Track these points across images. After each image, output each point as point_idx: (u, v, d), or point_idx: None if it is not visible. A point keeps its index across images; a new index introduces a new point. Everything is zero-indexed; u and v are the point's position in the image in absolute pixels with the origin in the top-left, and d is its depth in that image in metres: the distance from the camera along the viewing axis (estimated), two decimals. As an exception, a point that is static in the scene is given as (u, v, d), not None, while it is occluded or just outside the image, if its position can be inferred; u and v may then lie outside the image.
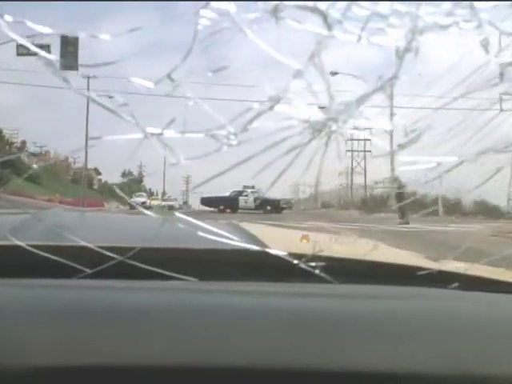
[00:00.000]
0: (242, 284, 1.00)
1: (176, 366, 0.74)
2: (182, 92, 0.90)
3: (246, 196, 40.57)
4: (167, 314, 0.81)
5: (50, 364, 0.71)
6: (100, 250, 0.94)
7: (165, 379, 0.74)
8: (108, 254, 0.94)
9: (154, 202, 48.79)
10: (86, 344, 0.74)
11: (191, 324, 0.79)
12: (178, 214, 1.01)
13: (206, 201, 40.47)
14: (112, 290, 0.90)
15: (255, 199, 39.56)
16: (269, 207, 37.01)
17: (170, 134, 0.91)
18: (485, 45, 0.96)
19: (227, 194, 40.12)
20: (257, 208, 38.08)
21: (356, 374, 0.76)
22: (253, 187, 41.15)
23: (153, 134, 0.90)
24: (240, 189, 41.68)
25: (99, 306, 0.82)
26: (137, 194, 56.93)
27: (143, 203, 44.78)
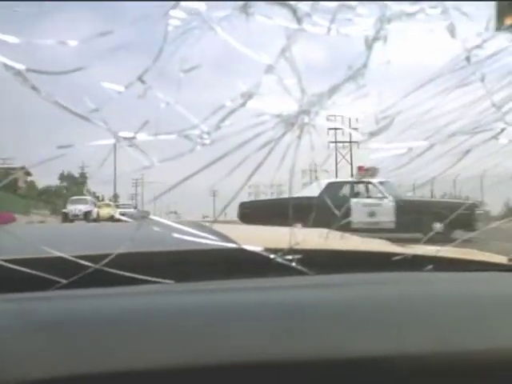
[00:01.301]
0: (219, 282, 1.03)
1: (159, 369, 0.76)
2: (154, 94, 0.92)
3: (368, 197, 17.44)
4: (146, 318, 0.84)
5: (33, 377, 0.73)
6: (75, 259, 0.96)
7: (149, 382, 0.77)
8: (83, 262, 0.95)
9: (105, 211, 37.84)
10: (68, 354, 0.76)
11: (171, 326, 0.82)
12: (152, 216, 1.03)
13: (254, 207, 17.80)
14: (89, 299, 0.91)
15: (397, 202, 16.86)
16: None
17: (142, 137, 0.92)
18: (451, 30, 1.01)
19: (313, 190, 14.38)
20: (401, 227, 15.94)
21: (338, 361, 0.80)
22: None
23: (125, 138, 0.92)
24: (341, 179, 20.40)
25: (78, 315, 0.84)
26: (73, 198, 39.66)
27: (87, 214, 35.97)
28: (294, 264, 1.03)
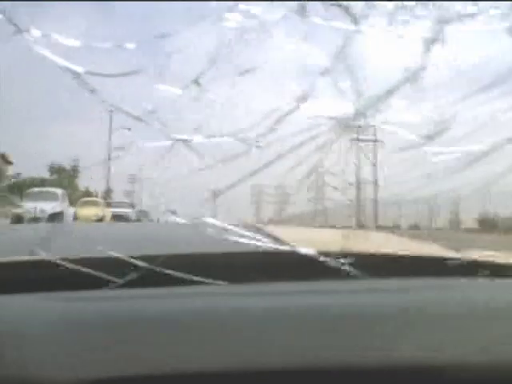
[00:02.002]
0: (271, 285, 1.04)
1: (213, 370, 0.78)
2: (209, 96, 0.93)
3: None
4: (199, 319, 0.85)
5: (91, 375, 0.75)
6: (130, 259, 0.98)
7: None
8: (137, 263, 0.98)
9: (89, 212, 26.97)
10: (123, 353, 0.78)
11: (224, 327, 0.83)
12: (205, 218, 1.04)
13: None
14: (143, 299, 0.93)
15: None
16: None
17: (198, 139, 0.94)
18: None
19: None
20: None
21: (394, 367, 0.80)
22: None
23: (181, 140, 0.93)
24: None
25: (132, 315, 0.86)
26: (32, 191, 27.34)
27: (54, 216, 23.88)
28: (346, 267, 1.03)
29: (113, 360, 0.77)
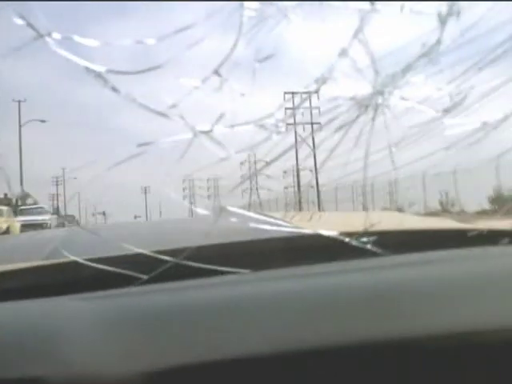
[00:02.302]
0: (297, 269, 1.05)
1: (245, 357, 0.79)
2: (230, 86, 0.93)
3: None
4: (227, 308, 0.86)
5: (133, 369, 0.76)
6: (154, 254, 0.98)
7: (236, 372, 0.79)
8: (162, 257, 0.98)
9: None
10: (156, 347, 0.79)
11: (254, 313, 0.85)
12: (228, 207, 1.05)
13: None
14: (170, 292, 0.95)
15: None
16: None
17: (219, 129, 0.94)
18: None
19: None
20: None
21: (422, 339, 0.82)
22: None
23: (203, 132, 0.93)
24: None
25: (163, 308, 0.87)
26: None
27: None
28: (369, 246, 1.05)
29: (152, 352, 0.78)
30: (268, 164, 1.02)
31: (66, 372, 0.74)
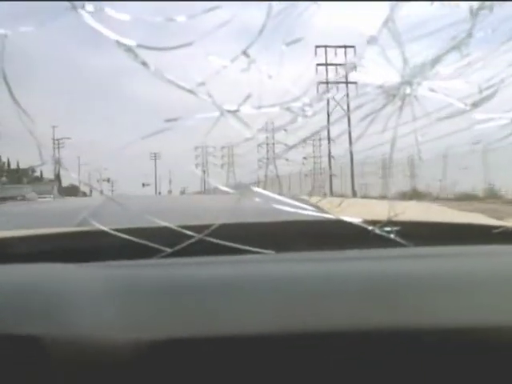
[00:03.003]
0: (319, 253, 1.06)
1: (259, 335, 0.80)
2: (258, 67, 0.95)
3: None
4: (247, 286, 0.88)
5: (145, 337, 0.78)
6: (179, 229, 1.01)
7: (250, 348, 0.81)
8: (187, 232, 1.01)
9: None
10: (173, 317, 0.81)
11: (273, 292, 0.86)
12: (253, 188, 1.07)
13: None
14: (193, 266, 0.97)
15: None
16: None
17: (246, 109, 0.96)
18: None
19: None
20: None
21: (438, 331, 0.82)
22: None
23: (229, 111, 0.95)
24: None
25: (183, 281, 0.89)
26: None
27: None
28: (392, 236, 1.05)
29: (167, 323, 0.80)
30: (290, 147, 1.04)
31: (65, 333, 0.77)
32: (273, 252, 1.03)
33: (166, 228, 1.02)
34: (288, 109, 0.99)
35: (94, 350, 0.75)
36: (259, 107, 0.97)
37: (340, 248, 1.08)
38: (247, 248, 1.01)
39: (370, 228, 1.05)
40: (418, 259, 1.00)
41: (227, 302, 0.84)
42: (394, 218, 1.06)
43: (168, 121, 0.95)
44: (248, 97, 0.96)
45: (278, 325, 0.81)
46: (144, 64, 0.89)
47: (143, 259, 1.01)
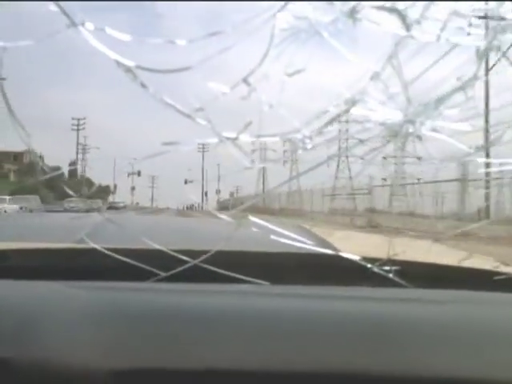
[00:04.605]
0: (314, 288, 1.04)
1: (249, 370, 0.78)
2: (258, 96, 0.94)
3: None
4: (241, 318, 0.86)
5: (126, 366, 0.76)
6: (174, 253, 0.99)
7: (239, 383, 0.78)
8: (182, 257, 0.99)
9: None
10: (161, 347, 0.79)
11: (264, 328, 0.84)
12: (250, 217, 1.06)
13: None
14: (186, 294, 0.95)
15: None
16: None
17: (245, 137, 0.95)
18: None
19: None
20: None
21: (431, 380, 0.79)
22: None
23: (228, 139, 0.95)
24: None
25: (174, 310, 0.87)
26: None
27: None
28: (391, 275, 1.03)
29: (150, 352, 0.78)
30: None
31: (34, 356, 0.75)
32: (268, 283, 1.01)
33: (160, 251, 1.01)
34: (288, 140, 0.98)
35: (59, 377, 0.74)
36: (259, 136, 0.96)
37: (336, 284, 1.06)
38: (242, 277, 1.00)
39: (369, 266, 1.03)
40: (416, 302, 0.98)
41: (218, 334, 0.82)
42: (394, 257, 1.04)
43: (165, 144, 0.94)
44: (248, 125, 0.95)
45: (263, 362, 0.79)
46: (143, 85, 0.89)
47: (136, 281, 0.99)
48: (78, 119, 77.99)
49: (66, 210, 31.87)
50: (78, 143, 76.49)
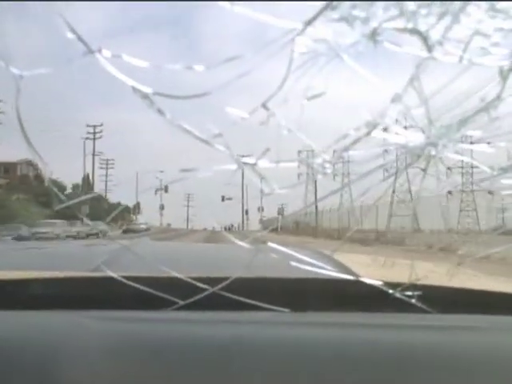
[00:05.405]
0: (336, 315, 1.02)
1: None
2: (277, 121, 0.92)
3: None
4: (261, 347, 0.84)
5: None
6: (192, 281, 0.98)
7: None
8: (200, 285, 0.98)
9: None
10: (180, 378, 0.77)
11: (285, 357, 0.82)
12: (269, 243, 1.04)
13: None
14: (205, 323, 0.94)
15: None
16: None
17: (264, 163, 0.93)
18: None
19: None
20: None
21: None
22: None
23: (247, 164, 0.93)
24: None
25: (193, 339, 0.86)
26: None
27: None
28: (413, 301, 1.01)
29: (166, 382, 0.77)
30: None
31: None
32: (288, 310, 1.00)
33: (178, 279, 1.00)
34: (308, 165, 0.96)
35: None
36: (278, 161, 0.94)
37: (358, 310, 1.04)
38: (262, 305, 0.98)
39: (391, 291, 1.01)
40: (441, 328, 0.96)
41: (238, 364, 0.80)
42: (417, 282, 1.02)
43: (184, 171, 0.93)
44: (266, 150, 0.93)
45: None
46: (160, 112, 0.88)
47: (154, 310, 0.98)
48: (94, 126, 74.29)
49: (22, 239, 27.58)
50: (94, 154, 73.50)
